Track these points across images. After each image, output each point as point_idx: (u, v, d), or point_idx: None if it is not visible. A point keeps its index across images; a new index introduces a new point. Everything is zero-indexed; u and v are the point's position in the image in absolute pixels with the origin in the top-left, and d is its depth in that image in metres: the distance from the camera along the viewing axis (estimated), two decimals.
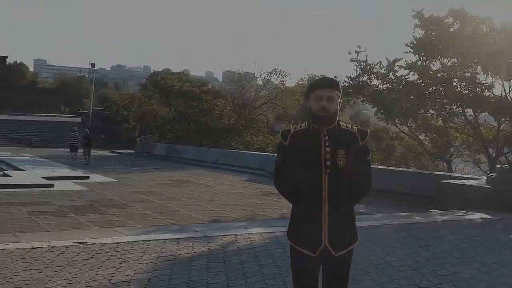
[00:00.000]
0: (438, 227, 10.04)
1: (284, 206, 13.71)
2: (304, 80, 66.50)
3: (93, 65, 61.23)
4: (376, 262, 7.06)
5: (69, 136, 32.01)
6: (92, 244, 7.59)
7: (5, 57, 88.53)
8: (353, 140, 3.80)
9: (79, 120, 54.26)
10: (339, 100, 3.81)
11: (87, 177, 19.99)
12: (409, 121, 19.79)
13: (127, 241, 7.94)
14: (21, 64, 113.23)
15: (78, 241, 7.75)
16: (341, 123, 3.84)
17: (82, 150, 29.75)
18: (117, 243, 7.77)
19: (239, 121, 35.32)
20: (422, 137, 22.99)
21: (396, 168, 18.67)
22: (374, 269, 6.69)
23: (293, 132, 3.80)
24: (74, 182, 18.55)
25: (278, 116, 45.24)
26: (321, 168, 3.65)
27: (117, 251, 7.24)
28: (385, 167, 18.67)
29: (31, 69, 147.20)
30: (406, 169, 17.93)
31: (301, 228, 3.76)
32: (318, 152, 3.67)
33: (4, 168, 23.00)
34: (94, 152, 34.53)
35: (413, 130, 21.45)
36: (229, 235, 8.61)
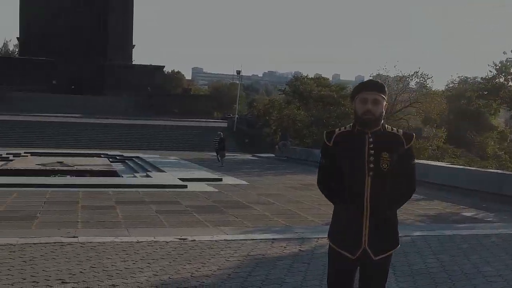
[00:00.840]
0: None
1: (407, 212, 13.44)
2: (454, 82, 63.60)
3: (238, 72, 63.71)
4: (468, 271, 6.78)
5: (214, 140, 33.72)
6: (192, 240, 8.10)
7: (163, 67, 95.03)
8: (398, 143, 3.79)
9: (225, 125, 56.76)
10: (385, 103, 3.82)
11: (220, 179, 20.92)
12: None
13: (224, 239, 8.35)
14: (178, 72, 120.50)
15: (180, 237, 8.29)
16: (386, 126, 3.85)
17: (216, 153, 31.25)
18: (215, 240, 8.21)
19: None
20: None
21: None
22: (461, 278, 6.45)
23: (337, 133, 3.84)
24: (207, 183, 19.53)
25: (424, 120, 43.73)
26: (364, 170, 3.68)
27: (211, 248, 7.66)
28: None
29: (189, 77, 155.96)
30: None
31: (341, 229, 3.81)
32: (362, 154, 3.70)
33: (149, 169, 24.81)
34: (237, 156, 36.23)
35: None
36: (326, 237, 8.66)
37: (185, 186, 18.19)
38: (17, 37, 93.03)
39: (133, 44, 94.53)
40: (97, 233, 8.94)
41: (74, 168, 23.67)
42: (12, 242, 7.57)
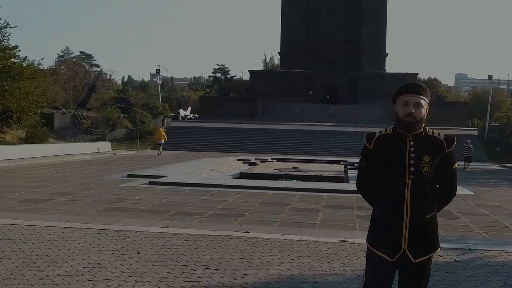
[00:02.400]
0: None
1: None
2: None
3: (490, 76, 59.68)
4: None
5: (463, 148, 33.25)
6: (351, 243, 8.36)
7: (416, 74, 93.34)
8: (439, 147, 3.81)
9: (475, 133, 53.72)
10: (427, 106, 3.84)
11: None
12: None
13: None
14: (435, 79, 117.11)
15: (343, 239, 8.61)
16: (428, 129, 3.87)
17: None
18: None
19: None
20: None
21: None
22: None
23: (378, 135, 3.94)
24: None
25: None
26: (404, 173, 3.74)
27: (363, 251, 7.79)
28: None
29: (452, 84, 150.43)
30: None
31: (380, 231, 3.89)
32: (402, 157, 3.76)
33: None
34: (484, 165, 35.67)
35: None
36: (496, 250, 8.18)
37: None
38: (278, 52, 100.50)
39: (386, 53, 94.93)
40: (270, 230, 9.69)
41: (306, 173, 25.02)
42: (192, 233, 8.74)
